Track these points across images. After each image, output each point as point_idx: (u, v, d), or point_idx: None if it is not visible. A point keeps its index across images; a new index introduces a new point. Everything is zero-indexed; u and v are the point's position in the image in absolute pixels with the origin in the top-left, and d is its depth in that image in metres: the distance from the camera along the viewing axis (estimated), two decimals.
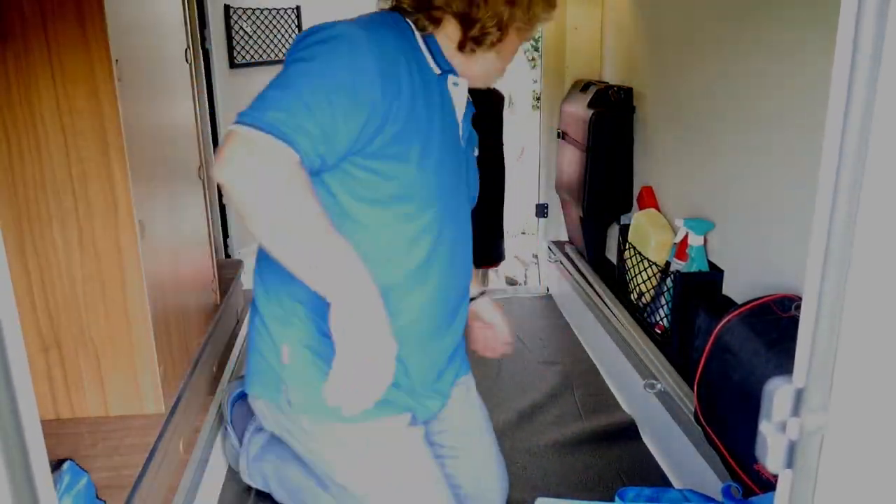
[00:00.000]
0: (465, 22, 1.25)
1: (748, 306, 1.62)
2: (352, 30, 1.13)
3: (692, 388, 1.75)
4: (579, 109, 2.71)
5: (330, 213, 1.07)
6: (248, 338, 1.42)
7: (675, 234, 2.15)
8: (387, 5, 1.30)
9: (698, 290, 2.00)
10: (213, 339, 2.11)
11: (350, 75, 1.09)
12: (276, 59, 3.06)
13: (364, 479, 1.36)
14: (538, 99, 3.49)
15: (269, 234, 1.04)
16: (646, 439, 2.09)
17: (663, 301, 2.15)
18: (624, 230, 2.44)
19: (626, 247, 2.39)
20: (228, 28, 2.80)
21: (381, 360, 1.02)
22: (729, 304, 1.88)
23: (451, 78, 1.28)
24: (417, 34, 1.25)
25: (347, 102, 1.08)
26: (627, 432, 2.13)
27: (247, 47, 2.90)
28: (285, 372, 1.31)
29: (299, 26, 3.15)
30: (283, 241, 1.04)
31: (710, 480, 1.67)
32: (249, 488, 1.88)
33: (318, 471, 1.42)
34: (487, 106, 2.90)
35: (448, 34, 1.27)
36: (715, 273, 2.01)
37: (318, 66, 1.09)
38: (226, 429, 1.90)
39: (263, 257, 1.33)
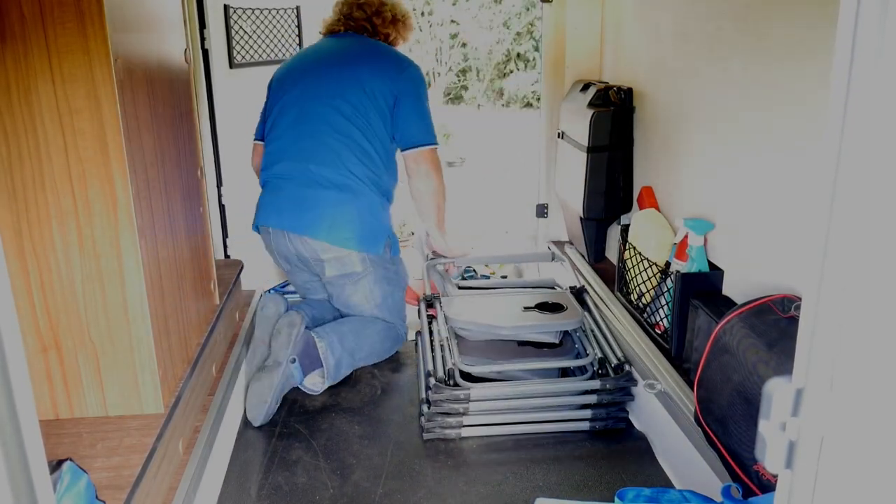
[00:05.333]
0: (386, 38, 2.59)
1: (748, 306, 1.62)
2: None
3: (692, 388, 1.75)
4: (579, 109, 2.71)
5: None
6: (353, 222, 2.35)
7: (675, 234, 2.15)
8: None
9: (698, 290, 2.00)
10: (213, 339, 2.11)
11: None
12: (276, 59, 3.06)
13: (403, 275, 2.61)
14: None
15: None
16: (646, 439, 2.09)
17: (663, 301, 2.15)
18: (624, 230, 2.44)
19: (626, 247, 2.39)
20: (228, 28, 2.79)
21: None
22: (729, 304, 1.88)
23: None
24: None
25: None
26: (627, 433, 2.13)
27: (246, 47, 2.90)
28: (391, 230, 2.51)
29: (299, 26, 3.14)
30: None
31: (710, 481, 1.67)
32: (249, 487, 1.88)
33: (385, 284, 2.48)
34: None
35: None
36: (715, 273, 2.01)
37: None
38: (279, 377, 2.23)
39: (379, 177, 2.41)
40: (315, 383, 2.35)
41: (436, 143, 2.46)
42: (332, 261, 2.38)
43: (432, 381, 2.13)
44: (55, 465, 1.26)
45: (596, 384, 2.13)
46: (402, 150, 2.43)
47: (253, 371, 2.29)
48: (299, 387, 2.33)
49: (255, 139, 2.62)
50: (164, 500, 1.55)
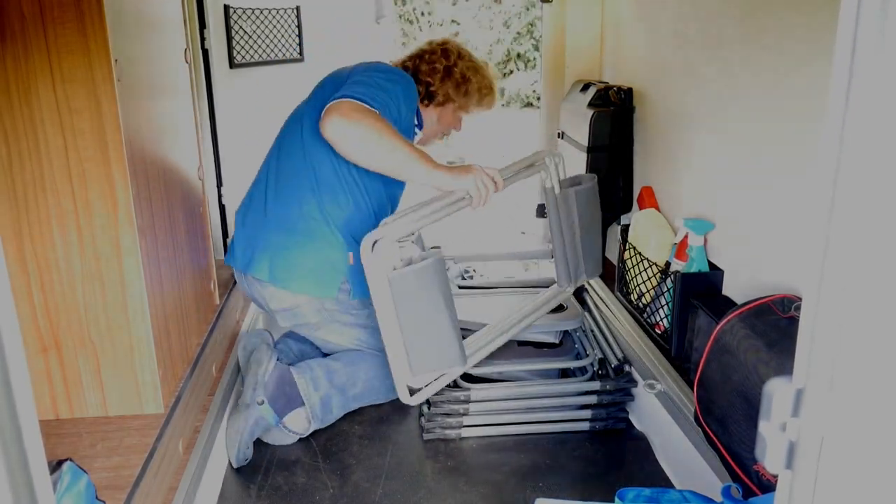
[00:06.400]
0: (427, 87, 2.26)
1: (748, 306, 1.62)
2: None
3: (692, 388, 1.75)
4: (579, 109, 2.71)
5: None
6: (296, 263, 2.06)
7: (675, 234, 2.15)
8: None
9: (698, 290, 2.00)
10: (213, 339, 2.11)
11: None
12: (276, 59, 3.06)
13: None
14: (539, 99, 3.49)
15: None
16: (646, 439, 2.09)
17: (663, 301, 2.15)
18: (624, 230, 2.44)
19: (626, 247, 2.39)
20: (228, 28, 2.79)
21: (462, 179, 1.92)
22: (729, 304, 1.88)
23: None
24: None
25: None
26: (627, 433, 2.13)
27: (247, 47, 2.90)
28: (349, 271, 2.08)
29: (299, 26, 3.14)
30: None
31: (710, 481, 1.67)
32: (249, 487, 1.88)
33: (356, 329, 2.17)
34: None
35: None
36: (715, 273, 2.01)
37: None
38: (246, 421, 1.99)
39: (333, 212, 2.06)
40: (299, 424, 2.06)
41: (359, 98, 1.86)
42: (281, 312, 2.14)
43: None
44: (55, 465, 1.26)
45: (596, 385, 2.13)
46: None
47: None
48: (277, 429, 2.04)
49: None
50: (164, 500, 1.55)
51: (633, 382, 2.15)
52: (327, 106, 1.86)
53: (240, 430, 1.97)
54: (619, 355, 2.23)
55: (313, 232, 2.07)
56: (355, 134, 1.83)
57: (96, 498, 1.30)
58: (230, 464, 1.98)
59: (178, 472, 1.65)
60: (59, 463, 1.26)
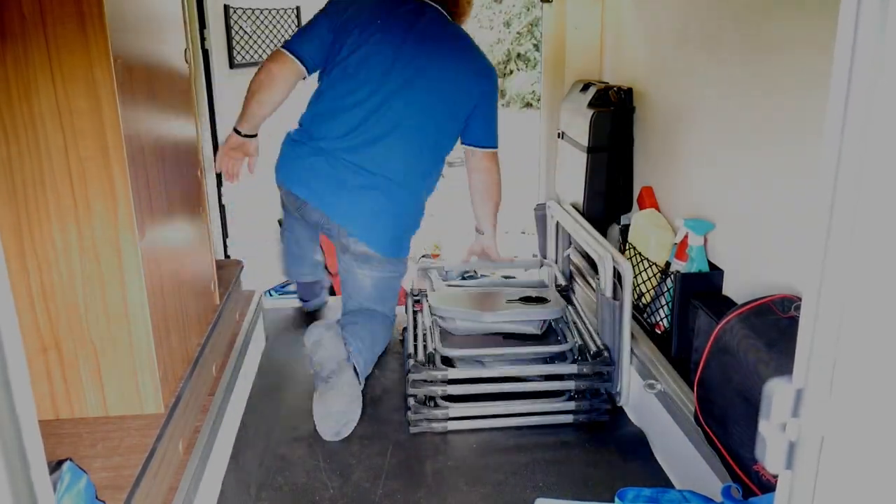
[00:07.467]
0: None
1: (748, 307, 1.62)
2: None
3: (692, 388, 1.75)
4: (579, 109, 2.71)
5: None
6: (389, 229, 2.30)
7: (675, 234, 2.15)
8: None
9: (698, 290, 2.00)
10: (213, 340, 2.11)
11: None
12: None
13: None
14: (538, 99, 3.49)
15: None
16: (645, 439, 2.09)
17: (663, 301, 2.15)
18: (624, 230, 2.44)
19: (626, 247, 2.39)
20: (228, 28, 2.79)
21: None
22: (729, 304, 1.88)
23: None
24: None
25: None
26: (627, 433, 2.13)
27: (247, 47, 2.90)
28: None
29: (299, 26, 3.14)
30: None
31: (710, 481, 1.67)
32: (249, 487, 1.88)
33: (399, 277, 2.44)
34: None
35: None
36: (715, 273, 2.01)
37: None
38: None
39: (433, 180, 2.40)
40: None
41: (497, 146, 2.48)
42: (355, 250, 2.31)
43: (411, 362, 2.15)
44: (55, 465, 1.26)
45: (573, 368, 2.15)
46: (475, 146, 2.39)
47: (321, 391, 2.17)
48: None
49: (288, 50, 2.27)
50: (164, 500, 1.55)
51: (610, 364, 2.17)
52: (494, 153, 2.44)
53: (351, 393, 2.15)
54: (599, 343, 2.25)
55: (415, 205, 2.35)
56: (496, 182, 2.49)
57: (96, 498, 1.30)
58: (230, 464, 1.98)
59: (178, 472, 1.65)
60: (59, 463, 1.26)
